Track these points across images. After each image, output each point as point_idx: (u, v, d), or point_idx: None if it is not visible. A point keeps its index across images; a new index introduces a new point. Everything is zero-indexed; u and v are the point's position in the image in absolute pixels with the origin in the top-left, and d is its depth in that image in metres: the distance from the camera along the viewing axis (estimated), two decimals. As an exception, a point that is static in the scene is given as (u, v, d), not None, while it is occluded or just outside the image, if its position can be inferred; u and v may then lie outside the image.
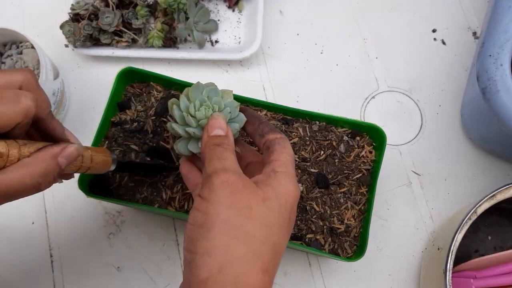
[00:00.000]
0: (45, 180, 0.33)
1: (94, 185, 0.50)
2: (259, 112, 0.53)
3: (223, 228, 0.31)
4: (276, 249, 0.33)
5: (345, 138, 0.52)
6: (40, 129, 0.35)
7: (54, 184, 0.59)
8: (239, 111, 0.41)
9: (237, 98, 0.52)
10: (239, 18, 0.66)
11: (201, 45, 0.63)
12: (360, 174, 0.51)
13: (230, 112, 0.40)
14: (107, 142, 0.52)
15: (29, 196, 0.59)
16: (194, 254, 0.31)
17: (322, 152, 0.52)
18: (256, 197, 0.33)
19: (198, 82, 0.40)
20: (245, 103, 0.53)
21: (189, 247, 0.32)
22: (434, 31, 0.67)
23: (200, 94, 0.40)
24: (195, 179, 0.40)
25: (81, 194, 0.48)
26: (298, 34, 0.66)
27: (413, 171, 0.60)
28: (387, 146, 0.51)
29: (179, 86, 0.53)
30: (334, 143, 0.52)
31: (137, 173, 0.51)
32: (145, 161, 0.50)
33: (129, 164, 0.49)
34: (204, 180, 0.34)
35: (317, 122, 0.53)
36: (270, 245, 0.32)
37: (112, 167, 0.43)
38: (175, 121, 0.40)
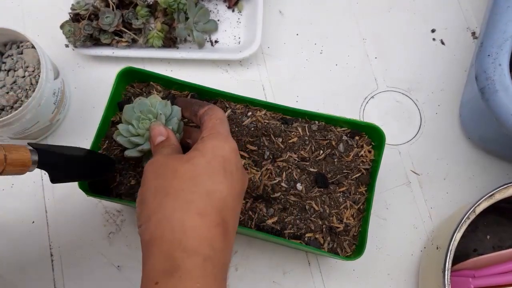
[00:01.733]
0: None
1: (94, 184, 0.51)
2: (258, 112, 0.53)
3: (154, 194, 0.35)
4: (211, 194, 0.35)
5: (344, 137, 0.52)
6: None
7: (54, 184, 0.59)
8: (173, 104, 0.46)
9: (237, 98, 0.52)
10: (238, 18, 0.66)
11: (201, 45, 0.63)
12: (359, 174, 0.51)
13: (161, 114, 0.44)
14: (107, 141, 0.52)
15: (29, 195, 0.60)
16: (140, 227, 0.36)
17: (321, 152, 0.52)
18: (180, 161, 0.36)
19: (126, 105, 0.45)
20: (245, 103, 0.53)
21: (137, 223, 0.36)
22: (433, 31, 0.67)
23: (133, 112, 0.44)
24: None
25: (81, 193, 0.48)
26: (297, 34, 0.66)
27: (412, 171, 0.60)
28: (386, 145, 0.51)
29: (179, 86, 0.54)
30: (333, 143, 0.52)
31: (66, 175, 0.44)
32: (76, 155, 0.44)
33: (54, 164, 0.42)
34: None
35: (317, 122, 0.53)
36: (202, 192, 0.35)
37: (32, 169, 0.39)
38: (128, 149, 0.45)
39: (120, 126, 0.45)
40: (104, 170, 0.48)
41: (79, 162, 0.45)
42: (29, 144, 0.40)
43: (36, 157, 0.39)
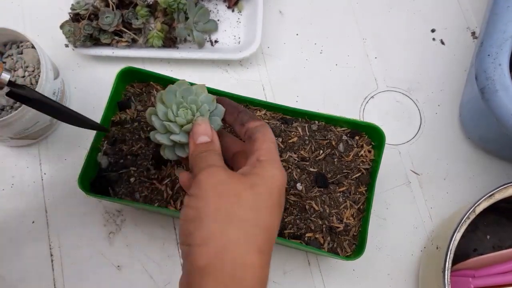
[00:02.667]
0: None
1: (94, 184, 0.51)
2: (258, 112, 0.53)
3: (215, 217, 0.32)
4: (269, 230, 0.34)
5: (344, 137, 0.52)
6: None
7: (54, 183, 0.59)
8: (217, 102, 0.41)
9: (236, 98, 0.52)
10: (238, 18, 0.66)
11: (200, 45, 0.63)
12: (359, 174, 0.51)
13: (208, 110, 0.39)
14: (106, 141, 0.52)
15: (29, 195, 0.60)
16: (191, 246, 0.32)
17: (321, 152, 0.52)
18: (243, 185, 0.34)
19: (170, 85, 0.40)
20: (245, 103, 0.53)
21: (185, 240, 0.33)
22: (433, 31, 0.67)
23: (175, 96, 0.39)
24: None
25: (81, 193, 0.48)
26: (297, 34, 0.66)
27: (412, 171, 0.60)
28: (386, 145, 0.51)
29: (179, 86, 0.54)
30: (333, 143, 0.52)
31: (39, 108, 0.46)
32: (49, 102, 0.46)
33: (26, 98, 0.44)
34: (192, 181, 0.35)
35: (316, 122, 0.53)
36: (262, 227, 0.33)
37: (4, 91, 0.41)
38: (156, 131, 0.40)
39: (159, 107, 0.39)
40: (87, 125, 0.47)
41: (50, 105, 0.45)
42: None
43: (8, 77, 0.40)
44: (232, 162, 0.41)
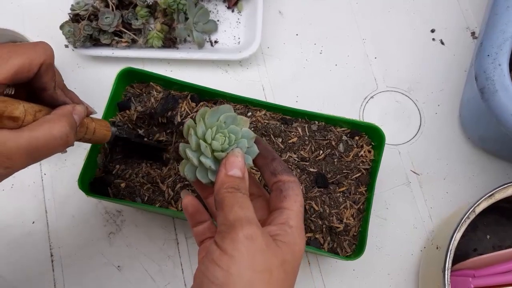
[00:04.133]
0: (71, 132, 0.35)
1: (94, 185, 0.51)
2: (258, 112, 0.53)
3: None
4: None
5: (344, 137, 0.53)
6: (56, 100, 0.38)
7: (54, 183, 0.59)
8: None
9: (236, 98, 0.52)
10: (238, 19, 0.66)
11: (200, 45, 0.63)
12: (359, 174, 0.51)
13: (248, 146, 0.36)
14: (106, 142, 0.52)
15: (29, 195, 0.60)
16: None
17: (321, 152, 0.52)
18: (276, 260, 0.32)
19: (218, 106, 0.37)
20: (245, 103, 0.53)
21: None
22: (433, 31, 0.67)
23: (217, 120, 0.37)
24: (201, 217, 0.38)
25: (81, 194, 0.48)
26: (297, 34, 0.66)
27: (412, 171, 0.60)
28: (386, 145, 0.51)
29: (179, 86, 0.54)
30: (333, 143, 0.52)
31: (129, 152, 0.52)
32: (140, 141, 0.51)
33: (124, 140, 0.49)
34: (225, 228, 0.31)
35: (316, 122, 0.53)
36: None
37: (109, 139, 0.45)
38: (187, 145, 0.37)
39: (200, 123, 0.36)
40: (153, 152, 0.52)
41: (138, 144, 0.51)
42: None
43: (114, 130, 0.46)
44: None
